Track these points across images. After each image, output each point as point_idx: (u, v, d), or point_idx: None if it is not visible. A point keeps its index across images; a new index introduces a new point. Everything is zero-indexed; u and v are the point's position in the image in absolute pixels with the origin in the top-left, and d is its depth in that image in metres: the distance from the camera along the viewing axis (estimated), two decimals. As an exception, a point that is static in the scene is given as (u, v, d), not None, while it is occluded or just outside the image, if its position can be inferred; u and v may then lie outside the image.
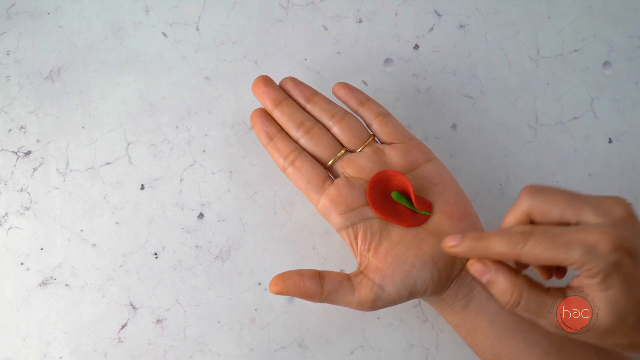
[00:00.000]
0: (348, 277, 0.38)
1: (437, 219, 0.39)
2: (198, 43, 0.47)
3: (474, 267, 0.35)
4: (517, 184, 0.46)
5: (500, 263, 0.34)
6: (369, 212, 0.39)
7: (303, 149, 0.41)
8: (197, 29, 0.47)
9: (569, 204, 0.33)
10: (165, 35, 0.47)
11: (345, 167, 0.41)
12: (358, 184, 0.40)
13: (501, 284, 0.34)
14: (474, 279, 0.39)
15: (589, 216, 0.32)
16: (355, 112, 0.42)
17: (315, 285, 0.38)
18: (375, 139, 0.42)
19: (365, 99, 0.42)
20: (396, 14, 0.48)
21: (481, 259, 0.34)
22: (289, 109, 0.41)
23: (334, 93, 0.42)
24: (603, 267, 0.31)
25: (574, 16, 0.49)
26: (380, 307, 0.38)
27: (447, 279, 0.38)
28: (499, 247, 0.32)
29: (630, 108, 0.48)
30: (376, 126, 0.41)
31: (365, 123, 0.42)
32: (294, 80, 0.42)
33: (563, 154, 0.47)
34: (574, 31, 0.49)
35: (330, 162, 0.41)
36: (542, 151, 0.47)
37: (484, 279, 0.34)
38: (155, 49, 0.47)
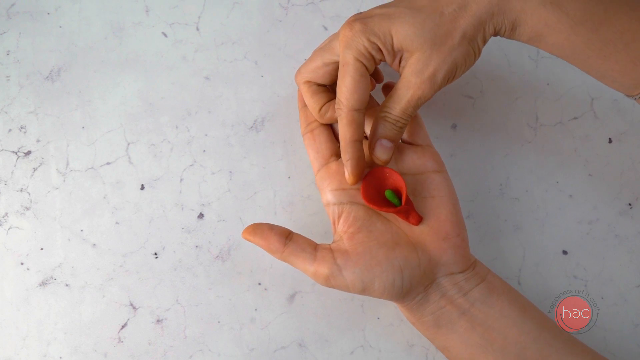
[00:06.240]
0: (315, 247, 0.39)
1: (422, 231, 0.39)
2: (198, 43, 0.47)
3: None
4: (517, 184, 0.46)
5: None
6: (359, 197, 0.40)
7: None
8: (197, 29, 0.47)
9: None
10: (165, 35, 0.47)
11: None
12: None
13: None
14: (442, 297, 0.39)
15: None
16: None
17: (279, 242, 0.38)
18: None
19: None
20: (396, 14, 0.48)
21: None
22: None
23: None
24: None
25: (574, 16, 0.49)
26: (333, 287, 0.38)
27: (409, 291, 0.38)
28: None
29: (630, 108, 0.48)
30: None
31: None
32: None
33: (563, 154, 0.47)
34: (574, 31, 0.49)
35: None
36: (542, 151, 0.47)
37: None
38: (155, 49, 0.47)
